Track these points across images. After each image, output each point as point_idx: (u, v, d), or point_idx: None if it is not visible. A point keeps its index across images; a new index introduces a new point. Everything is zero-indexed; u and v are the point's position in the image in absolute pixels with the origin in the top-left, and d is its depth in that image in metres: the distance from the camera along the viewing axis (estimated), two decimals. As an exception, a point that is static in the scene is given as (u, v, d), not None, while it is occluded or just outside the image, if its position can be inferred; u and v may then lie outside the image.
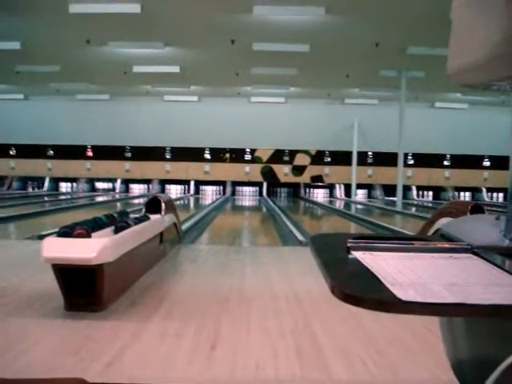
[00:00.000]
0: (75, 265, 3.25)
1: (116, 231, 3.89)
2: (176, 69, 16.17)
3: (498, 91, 1.23)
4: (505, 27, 1.02)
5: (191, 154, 22.52)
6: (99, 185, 23.48)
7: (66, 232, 3.47)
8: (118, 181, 23.10)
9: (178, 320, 3.28)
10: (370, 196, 23.19)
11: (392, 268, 1.07)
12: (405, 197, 18.85)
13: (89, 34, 12.58)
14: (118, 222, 4.13)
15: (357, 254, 1.19)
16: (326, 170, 22.84)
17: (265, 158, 22.86)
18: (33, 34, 12.57)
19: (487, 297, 0.91)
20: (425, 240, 1.36)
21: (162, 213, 5.67)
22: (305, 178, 23.05)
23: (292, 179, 22.99)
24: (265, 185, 22.99)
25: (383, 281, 0.97)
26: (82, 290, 3.35)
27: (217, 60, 15.19)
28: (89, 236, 3.48)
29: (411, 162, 22.07)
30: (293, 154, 22.84)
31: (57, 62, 15.57)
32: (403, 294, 0.90)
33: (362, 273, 1.04)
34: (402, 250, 1.24)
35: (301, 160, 22.90)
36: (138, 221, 4.56)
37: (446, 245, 1.29)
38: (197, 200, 20.69)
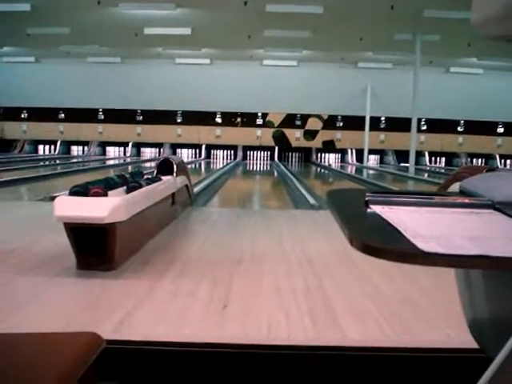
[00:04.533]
0: (87, 223, 3.25)
1: (128, 191, 3.88)
2: (187, 31, 16.01)
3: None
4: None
5: (202, 118, 22.46)
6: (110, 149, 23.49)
7: (78, 191, 3.46)
8: (130, 144, 23.10)
9: (189, 279, 3.29)
10: (382, 162, 23.09)
11: (413, 221, 1.04)
12: (417, 163, 18.74)
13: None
14: (130, 183, 4.11)
15: (375, 208, 1.16)
16: (338, 134, 22.72)
17: (276, 123, 22.76)
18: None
19: (510, 249, 0.88)
20: (445, 196, 1.33)
21: (174, 174, 5.66)
22: (317, 142, 22.94)
23: (304, 144, 22.90)
24: (276, 149, 22.92)
25: (404, 233, 0.94)
26: (94, 248, 3.35)
27: (229, 22, 15.01)
28: (105, 195, 3.48)
29: (424, 127, 21.88)
30: (305, 118, 22.72)
31: (67, 24, 15.44)
32: (425, 245, 0.87)
33: (382, 225, 1.01)
34: (422, 204, 1.21)
35: (313, 124, 22.78)
36: (150, 181, 4.55)
37: (467, 200, 1.26)
38: (208, 164, 20.70)
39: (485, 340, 1.34)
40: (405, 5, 12.56)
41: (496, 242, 0.93)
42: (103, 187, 3.56)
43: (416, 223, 1.03)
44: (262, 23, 14.98)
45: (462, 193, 1.43)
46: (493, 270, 1.12)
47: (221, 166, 19.34)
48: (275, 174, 17.59)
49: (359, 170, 19.26)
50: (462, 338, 1.62)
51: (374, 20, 14.09)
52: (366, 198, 1.20)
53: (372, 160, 22.73)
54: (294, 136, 22.79)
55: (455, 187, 4.39)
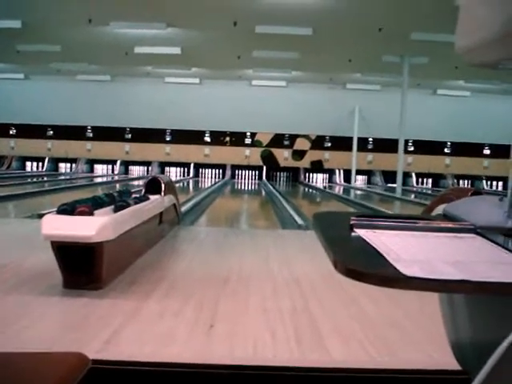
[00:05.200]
0: (75, 242, 3.24)
1: (116, 210, 3.88)
2: (177, 50, 16.08)
3: (507, 70, 1.21)
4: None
5: (191, 137, 22.46)
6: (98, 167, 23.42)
7: (66, 209, 3.46)
8: (118, 162, 23.04)
9: (176, 299, 3.28)
10: (369, 182, 23.16)
11: (395, 245, 1.06)
12: (404, 183, 18.83)
13: (91, 13, 12.48)
14: (118, 201, 4.12)
15: (360, 232, 1.18)
16: (326, 155, 22.80)
17: (265, 142, 22.82)
18: (34, 12, 12.46)
19: (492, 274, 0.90)
20: (428, 220, 1.36)
21: (162, 193, 5.66)
22: (305, 162, 23.01)
23: (292, 163, 22.95)
24: (264, 169, 22.96)
25: (387, 257, 0.96)
26: (81, 267, 3.34)
27: (218, 42, 15.10)
28: (91, 214, 3.48)
29: (411, 148, 22.01)
30: (293, 138, 22.79)
31: (58, 42, 15.44)
32: (407, 269, 0.89)
33: (366, 249, 1.03)
34: (406, 228, 1.24)
35: (301, 144, 22.86)
36: (138, 200, 4.55)
37: (450, 224, 1.28)
38: (196, 183, 20.68)
39: (467, 362, 1.35)
40: (393, 27, 12.70)
41: (478, 267, 0.95)
42: (89, 206, 3.55)
43: (399, 247, 1.05)
44: (251, 44, 15.08)
45: (446, 216, 1.45)
46: (475, 295, 1.14)
47: (209, 184, 19.33)
48: (263, 193, 17.61)
49: (347, 191, 19.31)
50: (446, 360, 1.64)
51: (363, 42, 14.23)
52: (351, 222, 1.22)
53: (359, 180, 22.81)
54: (283, 156, 22.85)
55: (441, 209, 4.42)
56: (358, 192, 19.06)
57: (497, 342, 0.93)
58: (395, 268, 0.90)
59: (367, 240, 1.10)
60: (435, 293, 1.38)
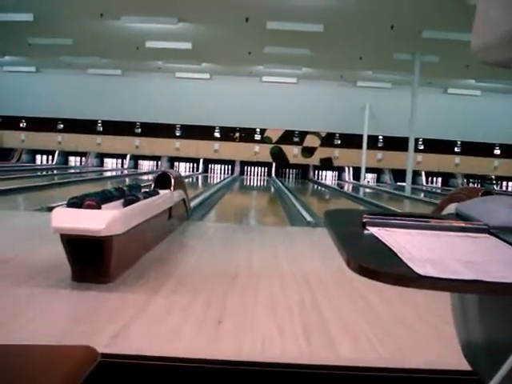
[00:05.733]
0: (84, 236, 3.25)
1: (125, 204, 3.88)
2: (188, 45, 16.09)
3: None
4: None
5: (201, 132, 22.48)
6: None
7: (75, 203, 3.46)
8: (128, 156, 23.10)
9: (185, 294, 3.29)
10: (378, 180, 23.11)
11: (408, 244, 1.06)
12: (414, 182, 18.77)
13: (103, 7, 12.51)
14: (127, 196, 4.12)
15: (372, 230, 1.17)
16: (336, 152, 22.76)
17: (274, 139, 22.80)
18: (46, 5, 12.50)
19: (504, 275, 0.89)
20: (441, 219, 1.35)
21: (171, 188, 5.66)
22: (314, 159, 22.97)
23: (301, 161, 22.93)
24: (273, 165, 22.94)
25: (400, 255, 0.96)
26: (90, 261, 3.35)
27: (230, 38, 15.10)
28: (99, 207, 3.48)
29: (421, 147, 21.93)
30: (303, 135, 22.77)
31: (69, 35, 15.51)
32: (420, 268, 0.88)
33: (378, 247, 1.03)
34: (418, 227, 1.23)
35: (311, 141, 22.83)
36: (148, 195, 4.56)
37: (463, 224, 1.27)
38: (205, 178, 20.70)
39: (478, 363, 1.34)
40: (404, 25, 12.66)
41: (491, 267, 0.94)
42: (97, 200, 3.55)
43: (412, 246, 1.05)
44: (262, 40, 15.07)
45: (458, 216, 1.44)
46: (487, 295, 1.13)
47: (218, 180, 19.34)
48: (272, 190, 17.60)
49: (356, 189, 19.27)
50: (455, 360, 1.63)
51: (374, 39, 14.19)
52: (364, 220, 1.22)
53: (369, 178, 22.75)
54: (292, 152, 22.82)
55: (451, 208, 4.40)
56: (368, 190, 19.02)
57: (509, 344, 0.92)
58: (409, 267, 0.89)
59: (380, 238, 1.09)
60: (446, 292, 1.37)
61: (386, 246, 1.03)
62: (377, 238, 1.10)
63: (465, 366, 1.40)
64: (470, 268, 0.92)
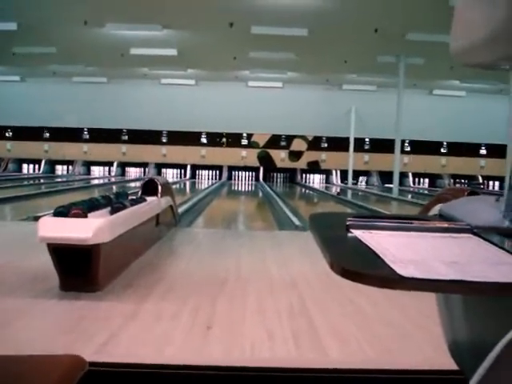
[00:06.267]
0: (71, 245, 3.23)
1: (112, 212, 3.87)
2: (173, 52, 16.09)
3: (500, 70, 1.21)
4: (508, 4, 1.01)
5: (188, 138, 22.46)
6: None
7: (62, 212, 3.45)
8: (115, 164, 23.02)
9: (173, 301, 3.28)
10: (366, 182, 23.18)
11: (391, 246, 1.06)
12: (401, 184, 18.84)
13: (87, 15, 12.48)
14: (114, 203, 4.11)
15: (356, 233, 1.18)
16: (323, 155, 22.81)
17: (262, 143, 22.83)
18: (30, 14, 12.44)
19: (487, 275, 0.90)
20: (424, 220, 1.36)
21: (159, 195, 5.66)
22: (301, 163, 23.01)
23: (289, 164, 22.96)
24: (261, 170, 22.95)
25: (383, 257, 0.96)
26: (78, 270, 3.34)
27: (215, 43, 15.11)
28: (85, 216, 3.47)
29: (408, 148, 22.02)
30: (290, 139, 22.82)
31: (54, 44, 15.44)
32: (403, 270, 0.89)
33: (362, 250, 1.03)
34: (402, 229, 1.23)
35: (298, 145, 22.88)
36: (135, 202, 4.55)
37: (446, 224, 1.28)
38: (193, 184, 20.67)
39: (464, 362, 1.35)
40: (388, 28, 12.72)
41: (474, 267, 0.95)
42: (83, 208, 3.54)
43: (395, 248, 1.05)
44: (247, 45, 15.09)
45: (442, 217, 1.45)
46: (471, 295, 1.14)
47: (206, 186, 19.32)
48: (260, 194, 17.60)
49: (344, 191, 19.31)
50: (443, 360, 1.63)
51: (358, 42, 14.24)
52: (347, 223, 1.22)
53: (362, 181, 22.88)
54: (279, 157, 22.86)
55: (438, 209, 4.42)
56: (355, 192, 19.06)
57: (493, 342, 0.93)
58: (391, 268, 0.90)
59: (363, 241, 1.10)
60: (432, 293, 1.38)
61: (370, 248, 1.04)
62: (360, 240, 1.11)
63: (452, 365, 1.41)
64: (454, 268, 0.93)
